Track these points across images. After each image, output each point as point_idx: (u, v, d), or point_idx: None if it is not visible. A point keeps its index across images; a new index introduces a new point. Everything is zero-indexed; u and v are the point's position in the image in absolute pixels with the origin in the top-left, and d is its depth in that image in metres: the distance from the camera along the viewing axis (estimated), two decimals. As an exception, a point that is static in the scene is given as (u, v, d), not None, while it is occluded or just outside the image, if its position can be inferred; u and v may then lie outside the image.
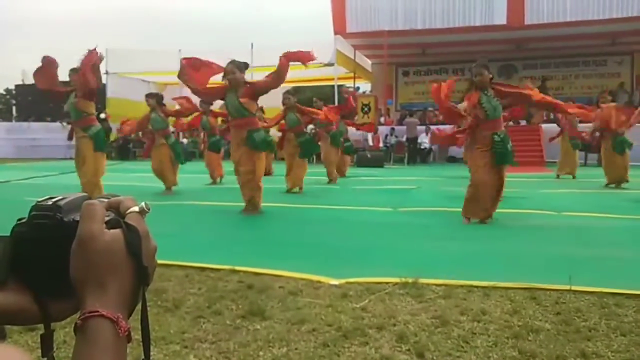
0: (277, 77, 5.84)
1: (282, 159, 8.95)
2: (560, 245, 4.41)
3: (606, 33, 17.39)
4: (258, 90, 5.85)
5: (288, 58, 5.81)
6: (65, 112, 7.01)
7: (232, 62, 5.80)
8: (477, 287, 3.12)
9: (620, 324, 2.53)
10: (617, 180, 8.71)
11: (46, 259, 0.54)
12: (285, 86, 17.06)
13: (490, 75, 5.37)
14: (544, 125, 15.92)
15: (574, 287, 3.02)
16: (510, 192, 8.10)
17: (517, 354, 2.23)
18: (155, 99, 8.22)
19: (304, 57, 5.94)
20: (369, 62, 22.27)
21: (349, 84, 23.65)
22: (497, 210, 5.40)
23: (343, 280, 3.24)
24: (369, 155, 15.83)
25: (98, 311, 0.51)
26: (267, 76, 5.97)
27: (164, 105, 8.40)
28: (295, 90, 10.58)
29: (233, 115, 5.86)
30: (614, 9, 15.64)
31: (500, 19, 16.56)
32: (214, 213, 6.28)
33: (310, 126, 10.62)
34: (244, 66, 5.86)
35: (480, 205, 5.32)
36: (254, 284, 3.17)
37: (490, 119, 5.25)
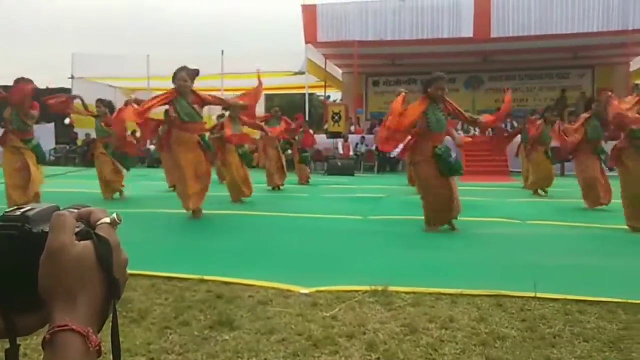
0: (223, 102, 6.92)
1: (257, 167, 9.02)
2: (525, 253, 4.51)
3: (569, 47, 18.01)
4: (207, 103, 6.27)
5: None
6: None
7: (184, 69, 5.99)
8: (445, 294, 3.16)
9: (584, 331, 2.60)
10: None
11: (13, 272, 0.53)
12: (256, 94, 16.91)
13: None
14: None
15: (539, 295, 3.09)
16: (477, 200, 8.27)
17: (484, 361, 2.27)
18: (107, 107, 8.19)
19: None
20: (340, 71, 22.47)
21: (320, 92, 23.79)
22: (465, 219, 5.48)
23: (313, 289, 3.23)
24: (339, 164, 15.91)
25: (68, 325, 0.50)
26: (215, 97, 6.69)
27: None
28: (267, 98, 10.62)
29: (185, 119, 5.99)
30: (576, 25, 16.23)
31: (468, 31, 16.96)
32: (181, 221, 6.18)
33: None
34: (195, 74, 6.07)
35: (440, 213, 5.38)
36: (223, 294, 3.14)
37: (433, 131, 5.32)
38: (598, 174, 7.17)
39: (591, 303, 2.99)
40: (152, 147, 18.37)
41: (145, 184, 10.55)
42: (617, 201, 7.73)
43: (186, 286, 3.32)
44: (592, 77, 20.99)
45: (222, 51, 18.89)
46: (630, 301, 2.95)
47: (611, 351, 2.36)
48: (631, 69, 18.16)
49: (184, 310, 2.87)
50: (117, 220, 0.56)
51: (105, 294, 0.53)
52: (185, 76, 5.90)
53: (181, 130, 6.02)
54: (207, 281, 3.39)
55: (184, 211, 6.24)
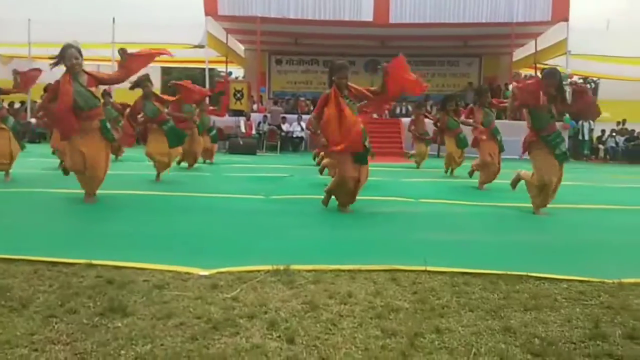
0: (126, 73, 5.70)
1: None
2: (417, 229, 4.76)
3: (459, 36, 19.14)
4: (102, 82, 5.62)
5: (147, 58, 5.82)
6: None
7: (71, 46, 5.35)
8: (344, 270, 3.25)
9: (469, 301, 2.80)
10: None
11: None
12: (153, 66, 16.21)
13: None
14: (403, 119, 17.13)
15: (428, 268, 3.29)
16: (373, 180, 8.57)
17: (380, 333, 2.37)
18: None
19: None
20: (242, 47, 22.02)
21: (220, 68, 23.14)
22: (362, 198, 5.66)
23: (214, 271, 3.16)
24: (241, 142, 15.69)
25: None
26: (110, 75, 5.86)
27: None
28: (164, 72, 10.07)
29: (83, 107, 5.37)
30: (467, 15, 17.27)
31: (367, 16, 17.40)
32: (68, 202, 5.74)
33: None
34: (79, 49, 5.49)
35: (344, 195, 5.51)
36: (115, 279, 2.96)
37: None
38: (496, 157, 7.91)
39: (475, 275, 3.23)
40: (33, 120, 16.80)
41: (26, 160, 9.65)
42: (503, 181, 8.45)
43: (72, 271, 3.09)
44: (479, 66, 22.56)
45: (113, 18, 17.65)
46: (509, 272, 3.23)
47: (493, 319, 2.57)
48: (514, 59, 19.71)
49: (70, 297, 2.67)
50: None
51: None
52: (75, 53, 5.27)
53: (82, 120, 5.40)
54: (95, 266, 3.18)
55: (71, 191, 5.79)
